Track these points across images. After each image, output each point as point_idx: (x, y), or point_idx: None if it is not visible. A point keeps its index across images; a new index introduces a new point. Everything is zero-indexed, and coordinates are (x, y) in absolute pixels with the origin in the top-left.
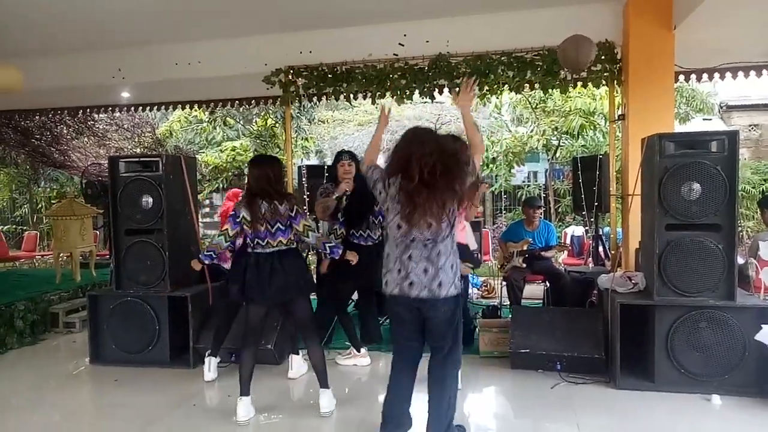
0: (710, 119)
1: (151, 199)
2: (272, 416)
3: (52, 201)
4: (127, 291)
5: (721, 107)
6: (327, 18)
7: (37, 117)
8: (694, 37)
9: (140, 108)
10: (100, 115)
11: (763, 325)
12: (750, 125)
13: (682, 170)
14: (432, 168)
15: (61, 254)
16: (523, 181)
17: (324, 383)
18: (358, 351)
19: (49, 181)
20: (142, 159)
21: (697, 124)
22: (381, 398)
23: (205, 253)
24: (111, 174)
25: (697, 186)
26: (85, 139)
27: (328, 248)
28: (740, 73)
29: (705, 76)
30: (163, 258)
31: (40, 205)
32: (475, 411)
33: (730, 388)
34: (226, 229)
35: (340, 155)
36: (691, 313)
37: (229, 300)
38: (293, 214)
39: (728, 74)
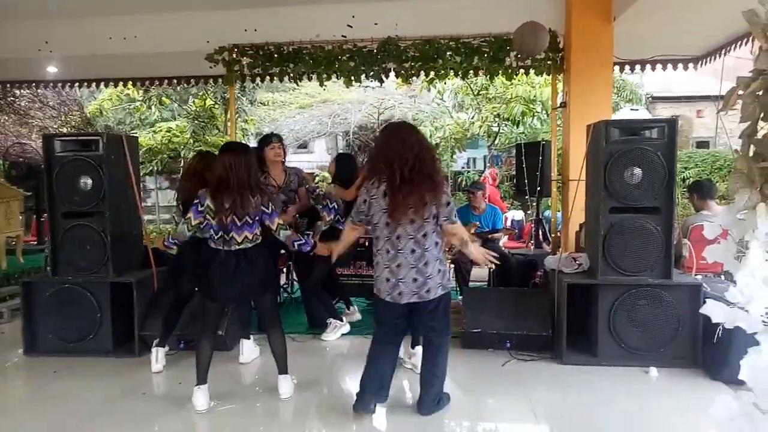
0: (637, 109)
1: (90, 181)
2: (228, 403)
3: None
4: (65, 277)
5: (647, 98)
6: None
7: None
8: (632, 29)
9: (68, 84)
10: (23, 91)
11: (706, 299)
12: (672, 116)
13: (625, 156)
14: (411, 166)
15: None
16: (463, 167)
17: (283, 369)
18: (341, 320)
19: None
20: (80, 138)
21: (625, 114)
22: (340, 379)
23: (170, 240)
24: (46, 154)
25: (638, 171)
26: (5, 117)
27: (297, 246)
28: (669, 66)
29: (638, 67)
30: (105, 242)
31: None
32: None
33: (666, 360)
34: (189, 218)
35: (269, 138)
36: (631, 291)
37: (181, 286)
38: (269, 211)
39: (659, 66)
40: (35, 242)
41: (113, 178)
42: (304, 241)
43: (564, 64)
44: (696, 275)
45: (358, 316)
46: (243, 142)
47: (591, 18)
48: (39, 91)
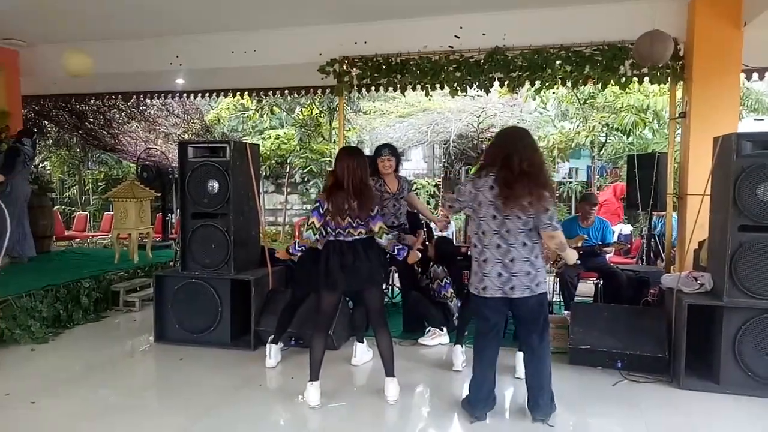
0: (762, 119)
1: (217, 184)
2: (336, 401)
3: (99, 183)
4: (192, 273)
5: None
6: (383, 9)
7: (92, 101)
8: (763, 35)
9: (192, 95)
10: (153, 101)
11: None
12: None
13: (758, 171)
14: (529, 161)
15: (119, 235)
16: (564, 177)
17: (390, 371)
18: (441, 329)
19: (97, 164)
20: (210, 145)
21: (748, 124)
22: (444, 386)
23: (297, 247)
24: (180, 159)
25: None
26: (136, 124)
27: (396, 250)
28: None
29: (767, 75)
30: (228, 242)
31: (87, 187)
32: None
33: None
34: (313, 222)
35: (381, 150)
36: (762, 315)
37: (298, 291)
38: (373, 214)
39: None
40: (160, 238)
41: (238, 183)
42: (402, 247)
43: (685, 72)
44: None
45: (446, 339)
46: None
47: (717, 24)
48: (166, 100)
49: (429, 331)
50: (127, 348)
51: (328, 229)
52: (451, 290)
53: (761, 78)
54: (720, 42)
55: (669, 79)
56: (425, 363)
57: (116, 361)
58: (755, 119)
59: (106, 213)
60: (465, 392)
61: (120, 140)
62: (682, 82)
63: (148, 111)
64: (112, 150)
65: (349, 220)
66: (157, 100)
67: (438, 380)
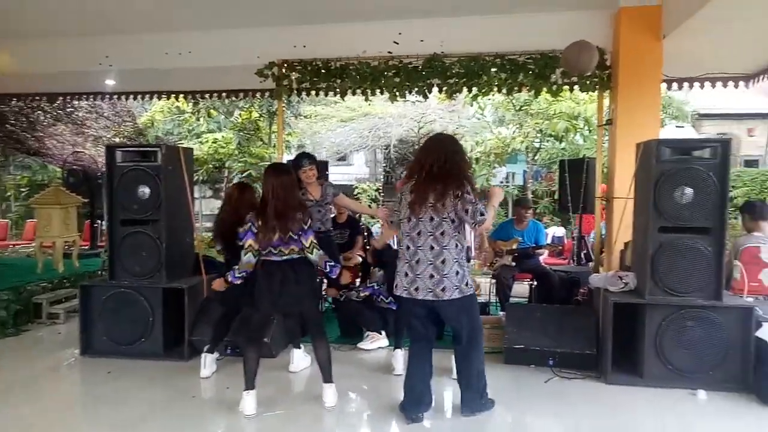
0: (683, 126)
1: (148, 190)
2: (274, 409)
3: (22, 189)
4: (121, 282)
5: (693, 115)
6: (322, 13)
7: (13, 102)
8: (681, 46)
9: (124, 96)
10: (82, 103)
11: (763, 323)
12: (719, 134)
13: (676, 175)
14: (441, 164)
15: (43, 243)
16: (501, 182)
17: (328, 378)
18: (379, 332)
19: (20, 169)
20: (140, 149)
21: (670, 131)
22: (383, 390)
23: (237, 274)
24: (108, 163)
25: (689, 191)
26: (63, 126)
27: (328, 267)
28: (719, 83)
29: (686, 84)
30: (160, 249)
31: (9, 193)
32: None
33: (714, 383)
34: (251, 245)
35: (301, 161)
36: (680, 311)
37: (230, 304)
38: (306, 227)
39: (708, 84)
40: (87, 246)
41: (169, 188)
42: (334, 264)
43: (611, 81)
44: (747, 297)
45: (385, 342)
46: (284, 162)
47: (640, 36)
48: (97, 102)
49: (368, 335)
50: (51, 363)
51: (260, 248)
52: (389, 297)
53: (680, 87)
54: (642, 53)
55: (597, 88)
56: (364, 367)
57: (38, 378)
58: (677, 126)
59: (29, 220)
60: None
61: (45, 143)
62: (609, 91)
63: (76, 113)
64: (36, 154)
65: (281, 235)
66: (86, 102)
67: (377, 384)
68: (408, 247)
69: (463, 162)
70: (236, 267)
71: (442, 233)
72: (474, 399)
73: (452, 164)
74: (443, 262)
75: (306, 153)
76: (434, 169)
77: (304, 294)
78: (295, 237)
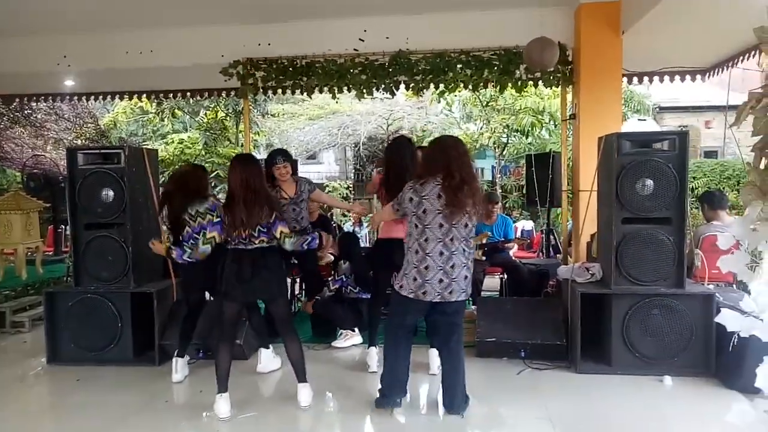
0: (645, 120)
1: (112, 192)
2: (248, 411)
3: None
4: (87, 287)
5: (655, 108)
6: (286, 11)
7: None
8: (640, 42)
9: (84, 97)
10: (39, 104)
11: (722, 308)
12: (679, 126)
13: (637, 167)
14: (467, 171)
15: (4, 250)
16: None
17: (302, 377)
18: (353, 330)
19: None
20: (102, 151)
21: (632, 124)
22: (359, 388)
23: (185, 257)
24: (69, 166)
25: (650, 182)
26: (20, 129)
27: (306, 244)
28: (677, 77)
29: (646, 79)
30: (126, 253)
31: None
32: None
33: (679, 369)
34: (213, 237)
35: (274, 157)
36: (645, 300)
37: (191, 297)
38: (272, 221)
39: (666, 78)
40: (51, 252)
41: (134, 190)
42: (310, 238)
43: (573, 76)
44: (708, 285)
45: (359, 339)
46: (251, 153)
47: (600, 31)
48: (55, 103)
49: (341, 333)
50: (16, 372)
51: (228, 238)
52: (357, 287)
53: (640, 82)
54: (602, 48)
55: (560, 83)
56: (338, 366)
57: (4, 387)
58: (639, 119)
59: None
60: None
61: (2, 147)
62: (571, 86)
63: (35, 115)
64: None
65: (250, 230)
66: (44, 104)
67: (352, 382)
68: (441, 253)
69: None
70: (188, 249)
71: (471, 237)
72: (460, 398)
73: (474, 172)
74: (472, 262)
75: (280, 149)
76: (465, 176)
77: (273, 283)
78: (264, 230)
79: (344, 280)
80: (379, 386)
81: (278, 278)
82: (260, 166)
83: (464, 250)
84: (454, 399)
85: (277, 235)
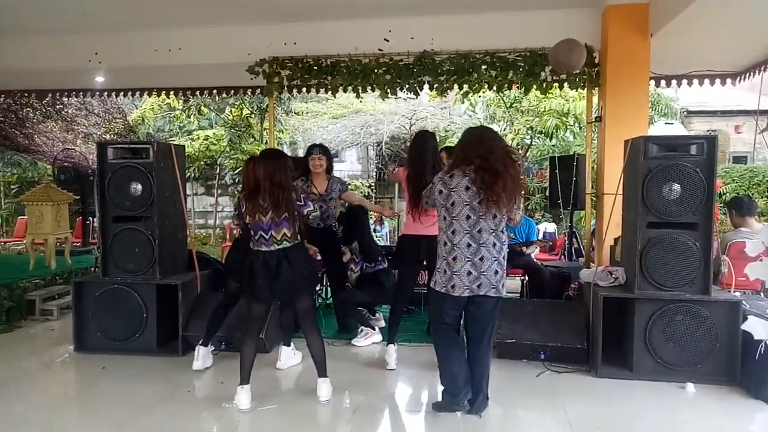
0: (672, 123)
1: (140, 186)
2: (267, 404)
3: (12, 186)
4: (114, 278)
5: (683, 112)
6: (313, 10)
7: (1, 98)
8: (668, 44)
9: (114, 93)
10: (71, 99)
11: (749, 316)
12: (708, 130)
13: (664, 171)
14: (503, 161)
15: (35, 240)
16: None
17: (323, 372)
18: (373, 329)
19: (9, 166)
20: (132, 146)
21: (660, 128)
22: (377, 385)
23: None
24: (99, 160)
25: (677, 186)
26: (52, 123)
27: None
28: (707, 81)
29: (674, 82)
30: (153, 245)
31: None
32: None
33: (703, 376)
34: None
35: (312, 149)
36: (669, 306)
37: (231, 286)
38: (301, 203)
39: (695, 81)
40: (79, 243)
41: (162, 185)
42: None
43: (600, 78)
44: (734, 292)
45: (382, 323)
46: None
47: (628, 34)
48: (86, 99)
49: (362, 331)
50: (45, 359)
51: (252, 233)
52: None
53: (668, 85)
54: (630, 51)
55: (585, 85)
56: (358, 362)
57: (32, 374)
58: (666, 123)
59: (20, 218)
60: (398, 389)
61: (34, 140)
62: (597, 88)
63: (66, 110)
64: (26, 151)
65: (273, 216)
66: (75, 99)
67: (371, 379)
68: (469, 245)
69: (514, 160)
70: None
71: (503, 230)
72: (481, 398)
73: (512, 161)
74: (504, 258)
75: (319, 144)
76: (499, 167)
77: (300, 281)
78: (288, 217)
79: (358, 260)
80: (441, 388)
81: (303, 276)
82: (284, 159)
83: (495, 243)
84: (475, 399)
85: (305, 214)
